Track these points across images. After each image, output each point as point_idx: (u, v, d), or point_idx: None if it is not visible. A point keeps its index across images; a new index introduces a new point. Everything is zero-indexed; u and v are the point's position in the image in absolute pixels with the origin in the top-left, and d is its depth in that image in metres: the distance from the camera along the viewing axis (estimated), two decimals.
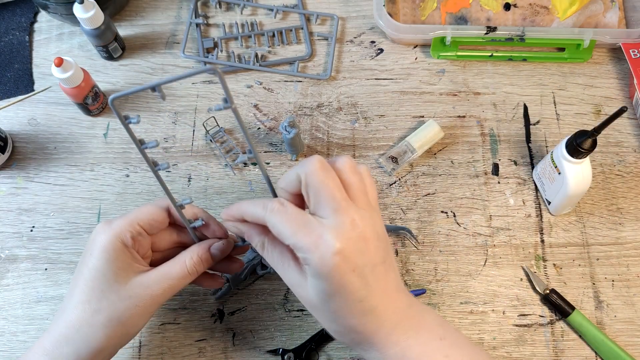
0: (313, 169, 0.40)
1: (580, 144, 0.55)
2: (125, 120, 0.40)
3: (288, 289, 0.62)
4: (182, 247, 0.51)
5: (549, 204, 0.64)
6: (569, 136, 0.57)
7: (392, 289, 0.42)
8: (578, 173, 0.58)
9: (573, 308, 0.59)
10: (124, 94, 0.38)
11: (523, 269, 0.62)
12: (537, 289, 0.61)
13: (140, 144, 0.42)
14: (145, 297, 0.46)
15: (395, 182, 0.67)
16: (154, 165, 0.44)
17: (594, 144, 0.55)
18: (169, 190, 0.46)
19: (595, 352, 0.59)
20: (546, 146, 0.68)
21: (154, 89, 0.38)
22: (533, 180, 0.66)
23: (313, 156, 0.41)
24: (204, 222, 0.50)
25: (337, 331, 0.43)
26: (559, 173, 0.59)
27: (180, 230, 0.52)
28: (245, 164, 0.67)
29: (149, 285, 0.46)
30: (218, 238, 0.51)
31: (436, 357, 0.41)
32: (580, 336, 0.60)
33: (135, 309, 0.46)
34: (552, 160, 0.59)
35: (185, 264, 0.48)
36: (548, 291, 0.60)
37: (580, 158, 0.56)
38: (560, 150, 0.57)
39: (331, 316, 0.42)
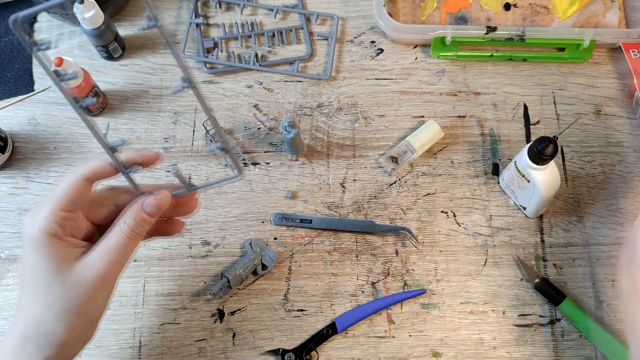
0: None
1: (542, 151, 0.54)
2: (33, 47, 0.33)
3: (288, 288, 0.62)
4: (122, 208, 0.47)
5: (524, 209, 0.64)
6: (530, 144, 0.56)
7: None
8: (547, 177, 0.57)
9: (564, 296, 0.60)
10: (30, 12, 0.32)
11: (514, 258, 0.62)
12: (529, 278, 0.61)
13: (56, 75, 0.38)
14: (94, 279, 0.43)
15: (395, 182, 0.67)
16: (75, 101, 0.39)
17: (555, 149, 0.54)
18: (97, 131, 0.42)
19: (588, 339, 0.59)
20: None
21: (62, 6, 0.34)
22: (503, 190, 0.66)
23: None
24: (141, 168, 0.46)
25: None
26: (528, 181, 0.59)
27: (116, 193, 0.47)
28: (245, 164, 0.67)
29: (93, 267, 0.43)
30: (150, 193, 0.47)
31: None
32: (573, 325, 0.60)
33: (86, 293, 0.43)
34: (518, 170, 0.59)
35: (122, 231, 0.44)
36: (539, 280, 0.61)
37: (544, 164, 0.56)
38: (524, 159, 0.57)
39: None
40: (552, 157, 0.55)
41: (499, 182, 0.66)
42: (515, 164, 0.59)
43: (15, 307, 0.46)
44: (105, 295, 0.45)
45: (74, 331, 0.44)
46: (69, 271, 0.43)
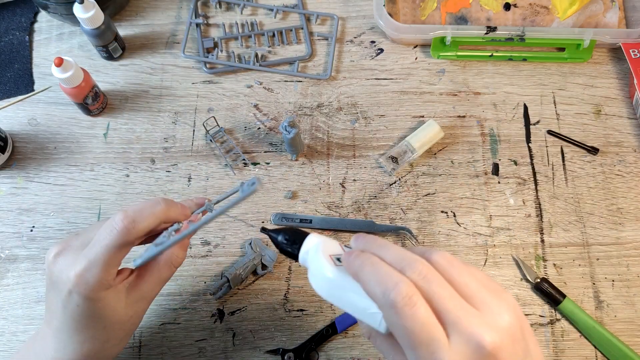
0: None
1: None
2: None
3: (288, 288, 0.62)
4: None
5: None
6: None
7: None
8: None
9: (564, 296, 0.60)
10: None
11: (513, 258, 0.63)
12: (529, 278, 0.61)
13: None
14: (147, 307, 0.48)
15: (395, 182, 0.67)
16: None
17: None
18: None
19: (588, 339, 0.59)
20: (546, 146, 0.68)
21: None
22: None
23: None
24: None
25: None
26: None
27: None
28: (245, 164, 0.67)
29: (148, 298, 0.47)
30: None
31: None
32: (573, 325, 0.60)
33: (139, 319, 0.48)
34: None
35: (174, 264, 0.47)
36: (539, 280, 0.61)
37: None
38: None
39: None
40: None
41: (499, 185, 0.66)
42: None
43: (52, 338, 0.45)
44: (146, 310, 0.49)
45: (123, 347, 0.48)
46: (124, 309, 0.45)
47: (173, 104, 0.71)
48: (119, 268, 0.45)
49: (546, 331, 0.60)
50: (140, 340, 0.60)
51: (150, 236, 0.48)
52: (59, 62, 0.61)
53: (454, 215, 0.65)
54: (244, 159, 0.68)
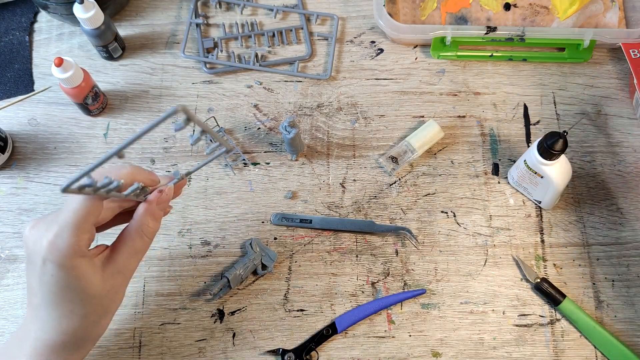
0: None
1: (551, 146, 0.55)
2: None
3: (288, 288, 0.62)
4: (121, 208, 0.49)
5: (539, 203, 0.64)
6: (539, 140, 0.57)
7: None
8: (559, 170, 0.58)
9: (564, 296, 0.60)
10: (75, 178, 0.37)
11: (513, 258, 0.63)
12: (529, 278, 0.61)
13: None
14: (124, 281, 0.48)
15: (395, 182, 0.67)
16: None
17: (565, 144, 0.55)
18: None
19: (588, 339, 0.59)
20: None
21: (120, 155, 0.39)
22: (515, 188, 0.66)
23: None
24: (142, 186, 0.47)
25: None
26: (542, 177, 0.59)
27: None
28: (245, 164, 0.67)
29: (123, 271, 0.47)
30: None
31: None
32: (573, 325, 0.60)
33: (117, 295, 0.48)
34: (528, 167, 0.59)
35: (145, 234, 0.47)
36: (539, 280, 0.61)
37: (555, 159, 0.57)
38: (534, 156, 0.57)
39: None
40: (562, 152, 0.55)
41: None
42: (525, 162, 0.60)
43: (32, 318, 0.46)
44: (126, 288, 0.49)
45: (105, 327, 0.49)
46: (101, 282, 0.45)
47: (173, 104, 0.71)
48: (95, 245, 0.46)
49: (546, 331, 0.60)
50: (141, 340, 0.60)
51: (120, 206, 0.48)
52: (59, 62, 0.61)
53: (454, 215, 0.65)
54: (244, 159, 0.68)
